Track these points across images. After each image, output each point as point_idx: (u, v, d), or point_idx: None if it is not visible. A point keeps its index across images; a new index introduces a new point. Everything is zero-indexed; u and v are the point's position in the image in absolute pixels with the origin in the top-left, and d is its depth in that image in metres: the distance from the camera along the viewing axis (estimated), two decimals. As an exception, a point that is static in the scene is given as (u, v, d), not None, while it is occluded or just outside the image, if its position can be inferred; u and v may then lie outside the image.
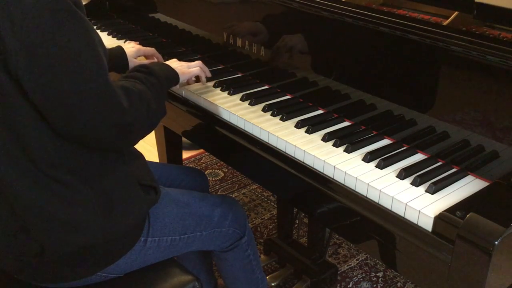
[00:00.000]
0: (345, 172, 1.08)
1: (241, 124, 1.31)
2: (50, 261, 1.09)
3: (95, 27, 1.95)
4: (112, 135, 1.04)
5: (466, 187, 1.04)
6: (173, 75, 1.31)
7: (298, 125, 1.26)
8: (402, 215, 0.99)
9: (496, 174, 1.04)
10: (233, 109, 1.35)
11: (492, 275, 0.86)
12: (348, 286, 1.94)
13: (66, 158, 1.04)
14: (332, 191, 1.10)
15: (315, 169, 1.14)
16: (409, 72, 1.17)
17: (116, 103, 1.01)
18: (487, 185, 1.03)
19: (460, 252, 0.87)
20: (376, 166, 1.10)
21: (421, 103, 1.17)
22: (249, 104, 1.38)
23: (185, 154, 2.78)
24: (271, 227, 2.26)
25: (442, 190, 1.02)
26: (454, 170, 1.09)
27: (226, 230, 1.35)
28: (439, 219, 0.92)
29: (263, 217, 2.33)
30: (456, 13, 1.14)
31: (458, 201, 0.97)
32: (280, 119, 1.30)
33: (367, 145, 1.19)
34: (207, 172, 2.68)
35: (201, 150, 2.88)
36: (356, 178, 1.06)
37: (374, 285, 1.95)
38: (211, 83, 1.50)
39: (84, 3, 1.93)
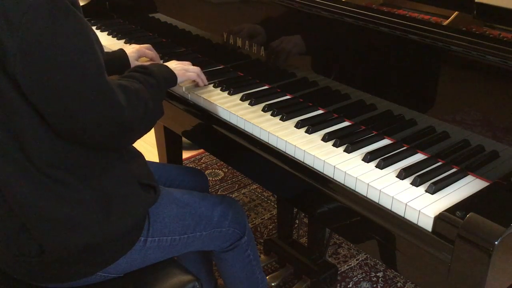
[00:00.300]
0: (345, 172, 1.08)
1: (241, 124, 1.31)
2: (50, 261, 1.09)
3: (95, 27, 1.96)
4: (110, 134, 1.04)
5: (466, 187, 1.04)
6: (171, 76, 1.32)
7: (298, 125, 1.26)
8: (402, 215, 0.99)
9: (496, 174, 1.04)
10: (233, 109, 1.35)
11: (492, 275, 0.86)
12: (348, 286, 1.94)
13: (64, 158, 1.04)
14: (332, 191, 1.10)
15: (315, 169, 1.14)
16: (409, 72, 1.17)
17: (114, 102, 1.01)
18: (487, 185, 1.03)
19: (460, 252, 0.87)
20: (376, 166, 1.10)
21: (421, 103, 1.17)
22: (249, 104, 1.38)
23: (185, 154, 2.78)
24: (271, 227, 2.26)
25: (442, 190, 1.02)
26: (454, 170, 1.09)
27: (226, 230, 1.35)
28: (439, 219, 0.92)
29: (263, 217, 2.33)
30: (456, 13, 1.14)
31: (458, 201, 0.97)
32: (280, 119, 1.30)
33: (367, 145, 1.19)
34: (207, 172, 2.68)
35: (201, 150, 2.88)
36: (356, 178, 1.06)
37: (374, 285, 1.95)
38: (211, 83, 1.50)
39: (84, 3, 1.95)
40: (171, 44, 1.82)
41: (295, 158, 1.18)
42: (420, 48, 1.12)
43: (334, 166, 1.10)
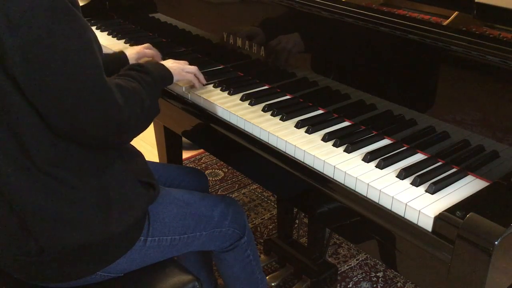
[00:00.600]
0: (345, 172, 1.08)
1: (241, 124, 1.31)
2: (49, 260, 1.09)
3: (95, 27, 1.96)
4: (108, 133, 1.05)
5: (466, 187, 1.04)
6: (167, 75, 1.32)
7: (298, 125, 1.26)
8: (402, 215, 0.99)
9: (496, 174, 1.04)
10: (233, 109, 1.35)
11: (492, 275, 0.86)
12: (348, 286, 1.94)
13: (64, 156, 1.04)
14: (332, 191, 1.10)
15: (315, 169, 1.14)
16: (409, 72, 1.17)
17: (112, 101, 1.02)
18: (487, 185, 1.03)
19: (460, 252, 0.87)
20: (376, 166, 1.10)
21: (421, 103, 1.17)
22: (249, 104, 1.38)
23: (185, 154, 2.78)
24: (271, 227, 2.26)
25: (442, 190, 1.02)
26: (454, 170, 1.09)
27: (225, 230, 1.35)
28: (439, 219, 0.92)
29: (263, 217, 2.33)
30: (456, 13, 1.14)
31: (458, 201, 0.97)
32: (280, 119, 1.30)
33: (367, 145, 1.19)
34: (207, 172, 2.68)
35: (201, 150, 2.88)
36: (356, 178, 1.06)
37: (374, 285, 1.95)
38: (211, 83, 1.50)
39: (84, 3, 1.95)
40: (171, 44, 1.82)
41: (295, 158, 1.18)
42: (420, 48, 1.12)
43: (334, 166, 1.10)
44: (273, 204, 2.42)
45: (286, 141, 1.20)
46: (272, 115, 1.32)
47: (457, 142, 1.12)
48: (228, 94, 1.44)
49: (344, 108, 1.33)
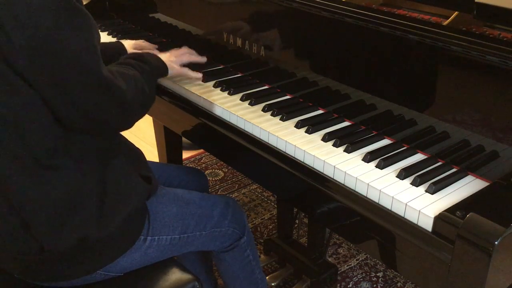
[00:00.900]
0: (345, 172, 1.08)
1: (241, 124, 1.31)
2: (50, 259, 1.09)
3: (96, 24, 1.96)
4: (115, 117, 1.08)
5: (466, 187, 1.04)
6: (163, 67, 1.36)
7: (298, 125, 1.26)
8: (402, 215, 0.99)
9: (496, 174, 1.04)
10: (233, 109, 1.35)
11: (492, 275, 0.86)
12: (348, 286, 1.94)
13: (65, 147, 1.05)
14: (332, 191, 1.10)
15: (315, 169, 1.14)
16: (409, 72, 1.17)
17: (115, 88, 1.05)
18: (487, 185, 1.03)
19: (460, 252, 0.87)
20: (376, 166, 1.10)
21: (421, 103, 1.17)
22: (249, 104, 1.38)
23: (185, 154, 2.78)
24: (271, 227, 2.26)
25: (442, 190, 1.02)
26: (454, 170, 1.09)
27: (225, 230, 1.35)
28: (439, 219, 0.92)
29: (263, 217, 2.33)
30: (456, 13, 1.14)
31: (458, 201, 0.97)
32: (280, 119, 1.30)
33: (367, 145, 1.19)
34: (207, 172, 2.68)
35: (201, 150, 2.89)
36: (356, 178, 1.06)
37: (374, 285, 1.95)
38: (211, 83, 1.50)
39: (84, 3, 1.95)
40: (171, 44, 1.82)
41: (295, 158, 1.18)
42: (420, 48, 1.12)
43: (334, 166, 1.10)
44: (273, 204, 2.42)
45: (286, 141, 1.20)
46: (272, 115, 1.32)
47: (457, 142, 1.12)
48: (228, 94, 1.44)
49: (344, 108, 1.33)
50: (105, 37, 1.90)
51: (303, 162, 1.16)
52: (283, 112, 1.32)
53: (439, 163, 1.11)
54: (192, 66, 1.49)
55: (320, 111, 1.36)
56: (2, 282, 1.18)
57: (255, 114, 1.33)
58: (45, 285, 1.16)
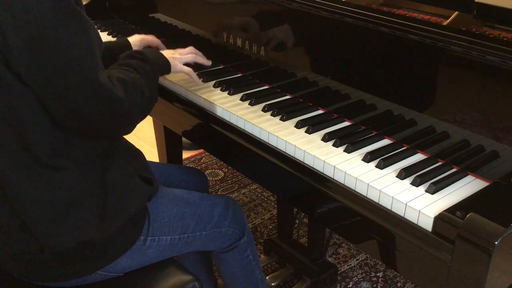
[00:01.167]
0: (345, 172, 1.08)
1: (241, 124, 1.31)
2: (50, 259, 1.09)
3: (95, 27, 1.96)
4: (111, 124, 1.07)
5: (466, 187, 1.04)
6: (166, 64, 1.34)
7: (298, 125, 1.26)
8: (402, 215, 0.99)
9: (496, 174, 1.04)
10: (233, 109, 1.35)
11: (492, 275, 0.86)
12: (348, 286, 1.94)
13: (65, 148, 1.05)
14: (332, 191, 1.10)
15: (315, 169, 1.14)
16: (409, 72, 1.17)
17: (111, 96, 1.03)
18: (487, 185, 1.03)
19: (460, 252, 0.87)
20: (376, 166, 1.10)
21: (421, 103, 1.17)
22: (249, 104, 1.38)
23: (185, 154, 2.78)
24: (271, 227, 2.26)
25: (442, 190, 1.02)
26: (454, 170, 1.09)
27: (225, 230, 1.35)
28: (439, 219, 0.92)
29: (263, 217, 2.33)
30: (456, 13, 1.14)
31: (458, 201, 0.97)
32: (280, 119, 1.30)
33: (367, 145, 1.19)
34: (207, 172, 2.68)
35: (201, 150, 2.89)
36: (356, 178, 1.06)
37: (374, 285, 1.95)
38: (211, 83, 1.50)
39: (84, 3, 1.94)
40: (171, 44, 1.82)
41: (295, 158, 1.18)
42: (420, 48, 1.12)
43: (334, 166, 1.10)
44: (273, 204, 2.42)
45: (286, 141, 1.20)
46: (272, 115, 1.32)
47: (457, 142, 1.12)
48: (228, 94, 1.44)
49: (344, 108, 1.33)
50: (105, 37, 1.90)
51: (303, 162, 1.16)
52: (283, 112, 1.32)
53: (439, 163, 1.11)
54: (194, 66, 1.49)
55: (320, 111, 1.36)
56: (2, 282, 1.18)
57: (255, 114, 1.33)
58: (45, 285, 1.15)
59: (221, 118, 1.36)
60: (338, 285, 1.93)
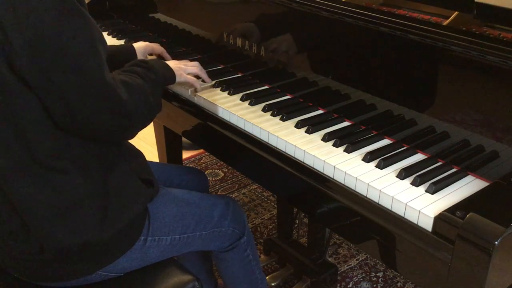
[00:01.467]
0: (345, 172, 1.08)
1: (241, 124, 1.31)
2: (50, 259, 1.09)
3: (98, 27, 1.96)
4: (112, 127, 1.06)
5: (466, 187, 1.04)
6: (170, 74, 1.33)
7: (298, 125, 1.26)
8: (402, 215, 0.99)
9: (496, 174, 1.04)
10: (233, 109, 1.35)
11: (492, 275, 0.86)
12: (348, 286, 1.94)
13: (65, 149, 1.05)
14: (332, 191, 1.10)
15: (315, 169, 1.14)
16: (409, 72, 1.17)
17: (116, 97, 1.03)
18: (487, 185, 1.03)
19: (460, 252, 0.87)
20: (376, 166, 1.10)
21: (421, 103, 1.17)
22: (249, 104, 1.38)
23: (185, 154, 2.78)
24: (271, 227, 2.26)
25: (442, 190, 1.02)
26: (454, 170, 1.09)
27: (225, 230, 1.35)
28: (439, 219, 0.92)
29: (263, 217, 2.33)
30: (456, 13, 1.14)
31: (458, 201, 0.97)
32: (280, 119, 1.30)
33: (367, 145, 1.19)
34: (207, 172, 2.68)
35: (201, 150, 2.89)
36: (356, 178, 1.06)
37: (374, 285, 1.95)
38: (211, 83, 1.50)
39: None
40: (171, 44, 1.82)
41: (295, 158, 1.18)
42: (420, 48, 1.12)
43: (334, 166, 1.10)
44: (273, 204, 2.42)
45: (286, 141, 1.20)
46: (272, 115, 1.32)
47: (457, 142, 1.12)
48: (228, 94, 1.44)
49: (344, 108, 1.33)
50: (105, 37, 1.89)
51: (303, 162, 1.16)
52: (283, 112, 1.32)
53: (439, 163, 1.11)
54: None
55: (320, 111, 1.36)
56: (2, 282, 1.18)
57: (255, 114, 1.33)
58: (45, 285, 1.15)
59: (221, 118, 1.36)
60: (338, 285, 1.93)
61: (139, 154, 1.24)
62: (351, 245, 2.15)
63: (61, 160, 1.04)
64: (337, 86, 1.32)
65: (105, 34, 1.92)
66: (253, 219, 2.31)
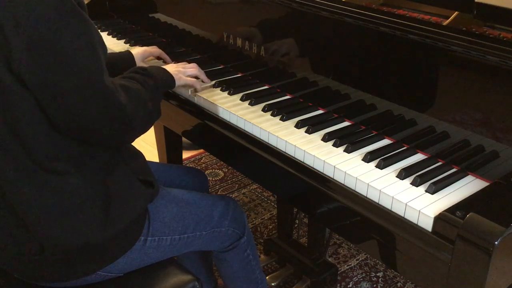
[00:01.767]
0: (345, 172, 1.08)
1: (241, 124, 1.31)
2: (50, 259, 1.09)
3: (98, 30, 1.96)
4: (111, 131, 1.06)
5: (466, 187, 1.04)
6: (170, 79, 1.33)
7: (298, 125, 1.26)
8: (402, 215, 0.99)
9: (496, 174, 1.04)
10: (233, 109, 1.35)
11: (492, 275, 0.86)
12: (348, 286, 1.94)
13: (64, 151, 1.05)
14: (332, 191, 1.10)
15: (315, 169, 1.14)
16: (409, 72, 1.17)
17: (115, 101, 1.03)
18: (487, 185, 1.03)
19: (460, 252, 0.87)
20: (376, 166, 1.10)
21: (421, 103, 1.17)
22: (249, 104, 1.38)
23: (185, 154, 2.78)
24: (271, 227, 2.26)
25: (442, 190, 1.02)
26: (454, 170, 1.09)
27: (225, 230, 1.35)
28: (439, 219, 0.92)
29: (263, 217, 2.33)
30: (456, 13, 1.14)
31: (458, 201, 0.97)
32: (280, 119, 1.30)
33: (367, 145, 1.19)
34: (207, 172, 2.68)
35: (201, 150, 2.88)
36: (356, 178, 1.06)
37: (374, 285, 1.95)
38: (211, 83, 1.50)
39: (85, 2, 1.94)
40: (171, 44, 1.82)
41: (295, 158, 1.18)
42: (420, 48, 1.12)
43: (334, 166, 1.10)
44: (273, 204, 2.42)
45: (286, 141, 1.20)
46: (272, 115, 1.32)
47: (457, 142, 1.12)
48: (228, 94, 1.44)
49: (344, 108, 1.33)
50: (105, 37, 1.90)
51: (303, 162, 1.16)
52: (283, 112, 1.32)
53: (439, 163, 1.11)
54: None
55: (320, 111, 1.36)
56: (2, 282, 1.18)
57: (255, 114, 1.33)
58: (45, 285, 1.15)
59: (221, 118, 1.36)
60: (338, 285, 1.93)
61: (139, 155, 1.24)
62: (351, 245, 2.15)
63: (60, 162, 1.04)
64: (337, 86, 1.32)
65: (105, 34, 1.93)
66: (253, 219, 2.31)
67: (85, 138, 1.06)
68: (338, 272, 1.84)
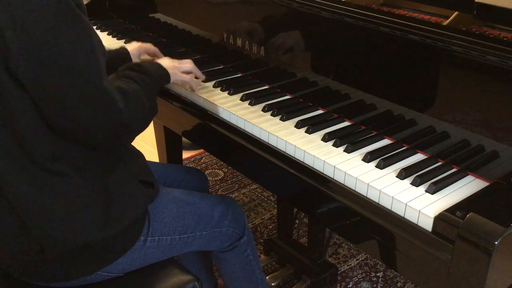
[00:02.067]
0: (345, 172, 1.08)
1: (241, 124, 1.31)
2: (50, 259, 1.09)
3: (95, 27, 1.96)
4: (109, 134, 1.05)
5: (466, 187, 1.04)
6: (165, 75, 1.32)
7: (298, 125, 1.26)
8: (402, 215, 0.99)
9: (496, 174, 1.04)
10: (233, 109, 1.35)
11: (492, 275, 0.86)
12: (348, 286, 1.94)
13: (63, 152, 1.05)
14: (332, 191, 1.10)
15: (315, 169, 1.14)
16: (409, 72, 1.17)
17: (112, 104, 1.02)
18: (487, 185, 1.03)
19: (460, 252, 0.87)
20: (376, 166, 1.10)
21: (421, 103, 1.17)
22: (249, 104, 1.38)
23: (185, 154, 2.78)
24: (271, 227, 2.26)
25: (442, 190, 1.02)
26: (454, 170, 1.09)
27: (225, 230, 1.35)
28: (439, 219, 0.92)
29: (263, 217, 2.33)
30: (456, 13, 1.14)
31: (458, 201, 0.97)
32: (280, 119, 1.30)
33: (367, 145, 1.19)
34: (207, 172, 2.68)
35: (201, 150, 2.88)
36: (356, 178, 1.06)
37: (374, 285, 1.95)
38: (211, 83, 1.50)
39: (84, 3, 1.94)
40: (171, 44, 1.82)
41: (295, 158, 1.18)
42: (420, 48, 1.12)
43: (334, 166, 1.10)
44: (273, 204, 2.42)
45: (286, 141, 1.20)
46: (272, 115, 1.32)
47: (457, 142, 1.12)
48: (228, 94, 1.44)
49: (344, 108, 1.33)
50: (105, 37, 1.90)
51: (303, 162, 1.16)
52: (283, 112, 1.32)
53: (439, 163, 1.11)
54: None
55: (320, 111, 1.36)
56: (2, 282, 1.18)
57: (255, 114, 1.33)
58: (45, 285, 1.15)
59: (221, 118, 1.36)
60: (338, 285, 1.94)
61: (138, 155, 1.24)
62: (351, 245, 2.15)
63: (60, 163, 1.04)
64: (337, 86, 1.32)
65: (105, 34, 1.93)
66: (253, 219, 2.31)
67: (82, 140, 1.05)
68: (338, 272, 1.84)
